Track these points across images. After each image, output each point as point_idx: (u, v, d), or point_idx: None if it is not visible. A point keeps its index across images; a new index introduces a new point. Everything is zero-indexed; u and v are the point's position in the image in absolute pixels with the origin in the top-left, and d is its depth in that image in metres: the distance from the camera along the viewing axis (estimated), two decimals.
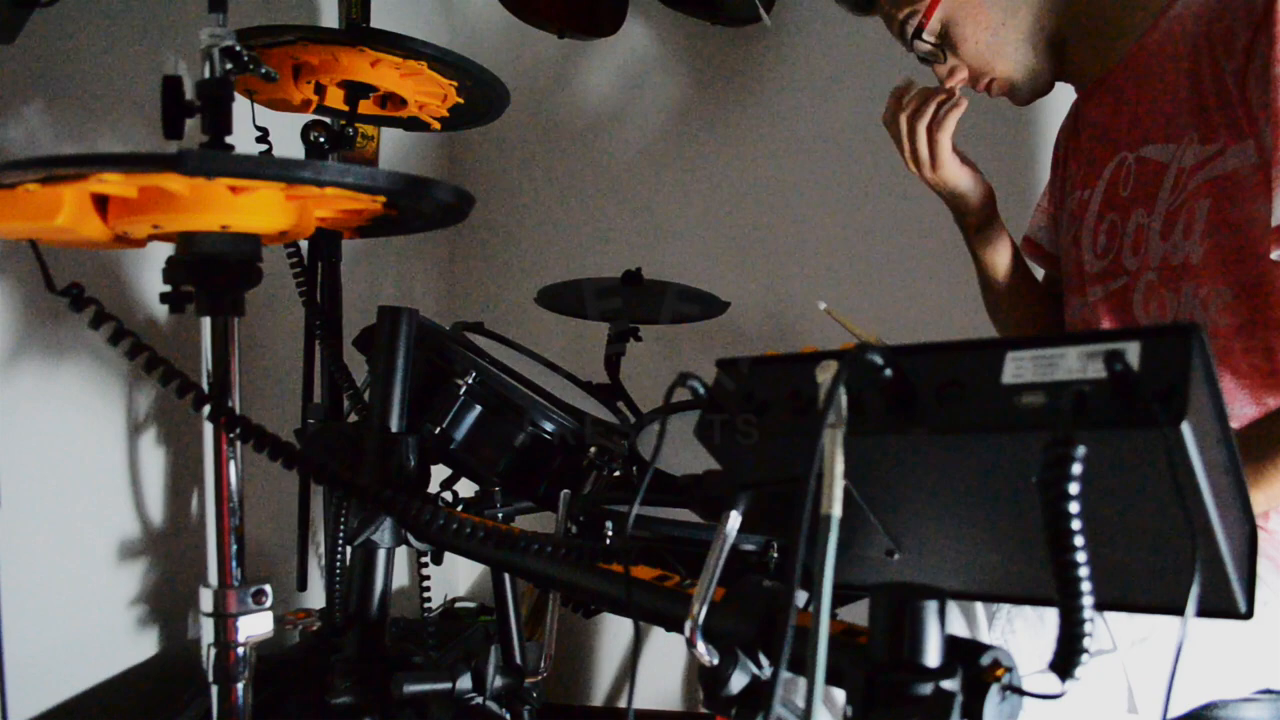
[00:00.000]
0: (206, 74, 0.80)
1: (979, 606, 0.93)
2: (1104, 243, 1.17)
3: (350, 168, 0.70)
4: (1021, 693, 0.53)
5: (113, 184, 0.68)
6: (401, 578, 1.96)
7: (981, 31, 1.18)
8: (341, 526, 1.06)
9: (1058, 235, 1.34)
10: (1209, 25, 1.02)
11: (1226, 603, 0.53)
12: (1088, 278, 1.19)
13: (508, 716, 1.13)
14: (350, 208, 0.80)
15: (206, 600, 0.83)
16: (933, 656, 0.51)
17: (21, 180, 0.67)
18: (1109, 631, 0.91)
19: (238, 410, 0.83)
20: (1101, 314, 1.17)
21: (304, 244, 1.42)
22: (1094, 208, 1.19)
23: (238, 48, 0.80)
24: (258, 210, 0.73)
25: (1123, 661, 0.90)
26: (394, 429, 1.05)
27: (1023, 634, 0.90)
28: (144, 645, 1.40)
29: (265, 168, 0.70)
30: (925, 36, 1.19)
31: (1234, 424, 0.50)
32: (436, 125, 1.47)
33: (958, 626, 0.92)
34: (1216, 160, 1.00)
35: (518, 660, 1.30)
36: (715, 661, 0.63)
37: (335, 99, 1.37)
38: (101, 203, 0.72)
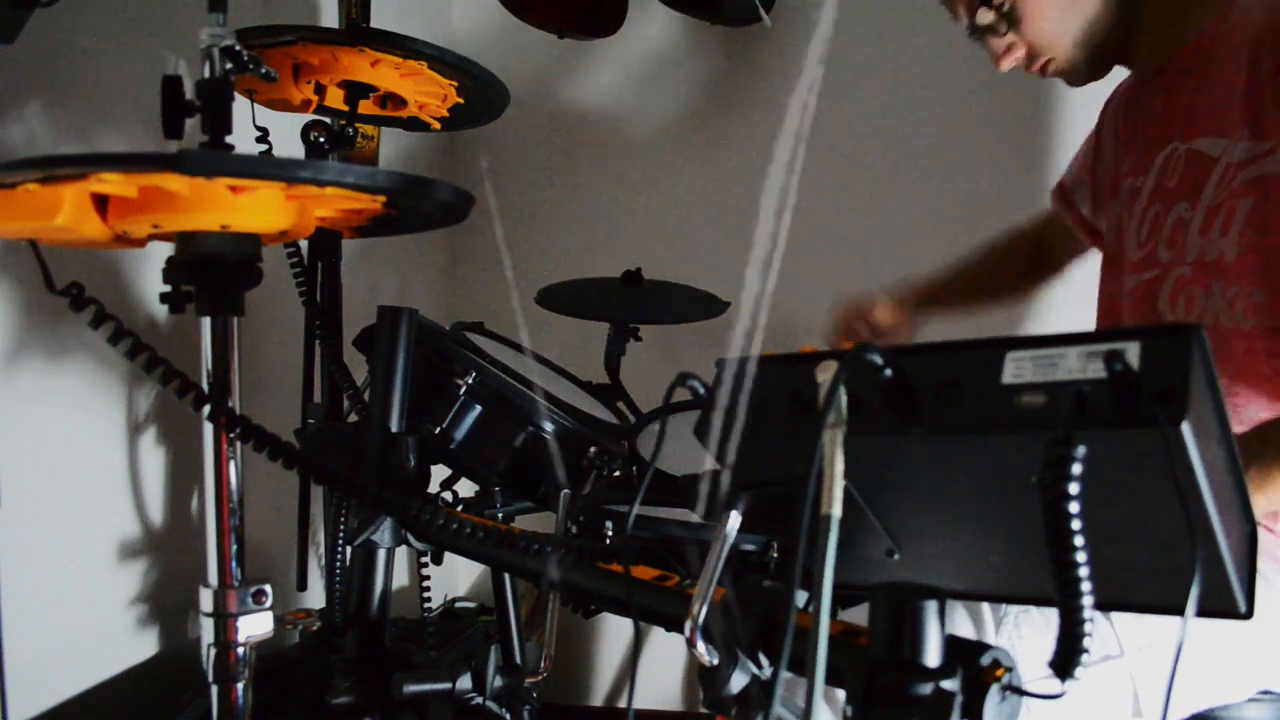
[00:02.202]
0: (206, 74, 0.80)
1: (986, 610, 0.92)
2: (1146, 232, 1.15)
3: (350, 168, 0.70)
4: (1021, 693, 0.53)
5: (113, 184, 0.68)
6: (401, 578, 1.95)
7: (1051, 9, 1.13)
8: (341, 526, 1.06)
9: (1092, 200, 1.35)
10: (1271, 20, 1.00)
11: (1227, 603, 0.53)
12: (1128, 266, 1.17)
13: (508, 716, 1.13)
14: (350, 207, 0.80)
15: (206, 600, 0.83)
16: (933, 656, 0.51)
17: (21, 180, 0.66)
18: (1116, 636, 0.90)
19: (238, 410, 0.83)
20: (1131, 304, 1.16)
21: (304, 244, 1.42)
22: (1144, 196, 1.17)
23: (238, 48, 0.80)
24: (258, 210, 0.73)
25: (1129, 667, 0.90)
26: (394, 429, 1.05)
27: (1030, 638, 0.89)
28: (144, 645, 1.40)
29: (265, 167, 0.70)
30: (994, 4, 1.13)
31: (1247, 427, 0.50)
32: (436, 125, 1.47)
33: (964, 630, 0.91)
34: (1264, 159, 0.99)
35: (518, 660, 1.30)
36: (715, 661, 0.63)
37: (335, 99, 1.37)
38: (101, 203, 0.72)
